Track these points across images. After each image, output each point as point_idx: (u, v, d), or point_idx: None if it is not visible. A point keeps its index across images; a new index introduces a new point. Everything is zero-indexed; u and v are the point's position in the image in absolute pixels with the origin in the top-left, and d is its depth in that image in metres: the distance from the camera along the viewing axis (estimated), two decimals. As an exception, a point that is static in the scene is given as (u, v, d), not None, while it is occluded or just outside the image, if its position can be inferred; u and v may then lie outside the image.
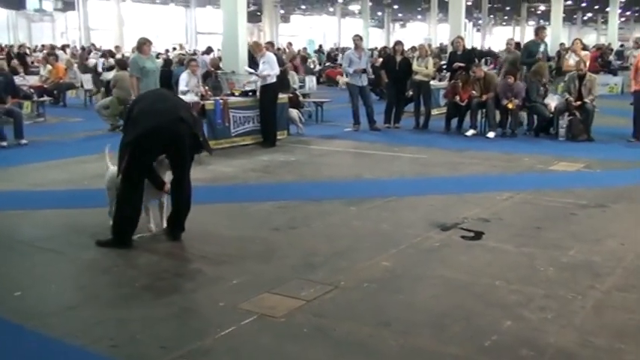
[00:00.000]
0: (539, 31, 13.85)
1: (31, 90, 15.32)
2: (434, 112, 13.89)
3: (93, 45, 31.79)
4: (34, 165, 9.29)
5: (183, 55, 22.32)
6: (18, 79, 14.59)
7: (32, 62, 24.95)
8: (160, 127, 5.40)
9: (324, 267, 5.09)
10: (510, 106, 11.75)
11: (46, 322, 4.05)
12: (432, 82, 14.00)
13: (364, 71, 12.76)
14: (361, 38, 13.46)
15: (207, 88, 11.90)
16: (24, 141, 10.95)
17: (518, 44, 16.76)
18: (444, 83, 15.02)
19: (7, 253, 5.49)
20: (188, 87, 10.77)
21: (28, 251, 5.55)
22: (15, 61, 19.37)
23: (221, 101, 10.73)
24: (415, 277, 4.92)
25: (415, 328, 4.04)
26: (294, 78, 14.79)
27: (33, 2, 43.38)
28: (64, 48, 29.70)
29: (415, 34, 57.70)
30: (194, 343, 3.80)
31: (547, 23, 34.83)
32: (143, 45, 10.39)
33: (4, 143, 10.73)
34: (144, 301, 4.45)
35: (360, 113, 12.85)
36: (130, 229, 5.56)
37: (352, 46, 13.38)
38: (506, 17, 66.79)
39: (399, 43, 13.93)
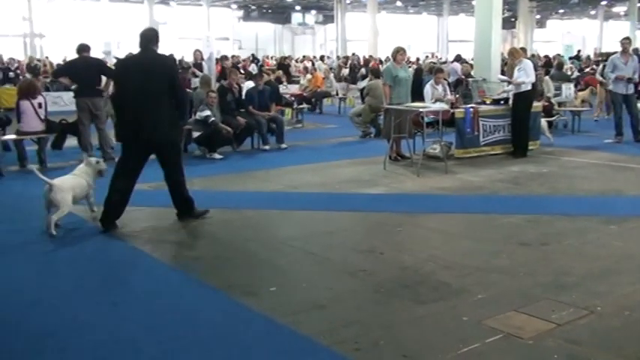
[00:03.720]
0: None
1: (292, 98, 16.47)
2: None
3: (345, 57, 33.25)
4: (292, 168, 9.93)
5: (434, 63, 22.43)
6: (281, 88, 15.79)
7: (295, 71, 26.80)
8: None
9: (577, 289, 4.71)
10: None
11: (296, 319, 4.26)
12: None
13: (629, 80, 11.69)
14: (630, 41, 12.31)
15: (457, 96, 11.79)
16: (284, 145, 11.77)
17: None
18: None
19: (265, 250, 5.91)
20: (433, 97, 10.77)
21: (283, 249, 5.92)
22: (279, 72, 20.98)
23: (471, 109, 10.54)
24: (688, 310, 4.34)
25: (687, 368, 3.56)
26: (548, 85, 14.06)
27: (297, 17, 46.98)
28: (322, 58, 31.55)
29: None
30: (436, 356, 3.73)
31: None
32: (397, 54, 10.57)
33: (267, 147, 11.64)
34: (388, 308, 4.48)
35: (625, 124, 11.82)
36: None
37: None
38: None
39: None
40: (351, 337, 3.97)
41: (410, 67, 15.55)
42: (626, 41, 12.14)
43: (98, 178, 6.89)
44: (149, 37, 6.53)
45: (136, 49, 6.77)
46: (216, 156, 10.68)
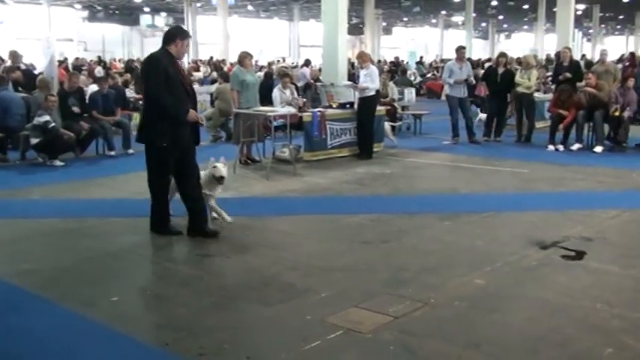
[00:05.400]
0: None
1: (140, 102, 15.98)
2: (539, 125, 13.44)
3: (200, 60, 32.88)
4: (139, 174, 9.50)
5: (285, 67, 22.71)
6: (128, 92, 15.30)
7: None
8: None
9: (414, 283, 4.98)
10: (617, 113, 11.18)
11: (139, 328, 4.16)
12: (536, 95, 13.55)
13: (466, 81, 12.57)
14: (463, 49, 13.20)
15: (305, 100, 12.02)
16: (131, 151, 11.40)
17: (633, 55, 15.96)
18: (549, 95, 14.51)
19: (108, 259, 5.71)
20: (282, 101, 10.94)
21: (127, 258, 5.75)
22: (127, 75, 20.28)
23: (319, 113, 10.79)
24: (510, 297, 4.72)
25: (507, 351, 3.87)
26: (392, 90, 14.70)
27: (146, 19, 45.73)
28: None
29: (520, 45, 56.14)
30: (279, 356, 3.80)
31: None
32: (244, 59, 10.62)
33: (113, 153, 11.26)
34: (233, 311, 4.49)
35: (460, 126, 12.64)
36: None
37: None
38: (619, 27, 63.93)
39: (502, 55, 13.63)
40: (196, 343, 3.94)
41: (260, 70, 15.65)
42: (460, 49, 13.03)
43: (218, 184, 6.54)
44: (165, 37, 6.26)
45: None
46: (57, 163, 10.17)
